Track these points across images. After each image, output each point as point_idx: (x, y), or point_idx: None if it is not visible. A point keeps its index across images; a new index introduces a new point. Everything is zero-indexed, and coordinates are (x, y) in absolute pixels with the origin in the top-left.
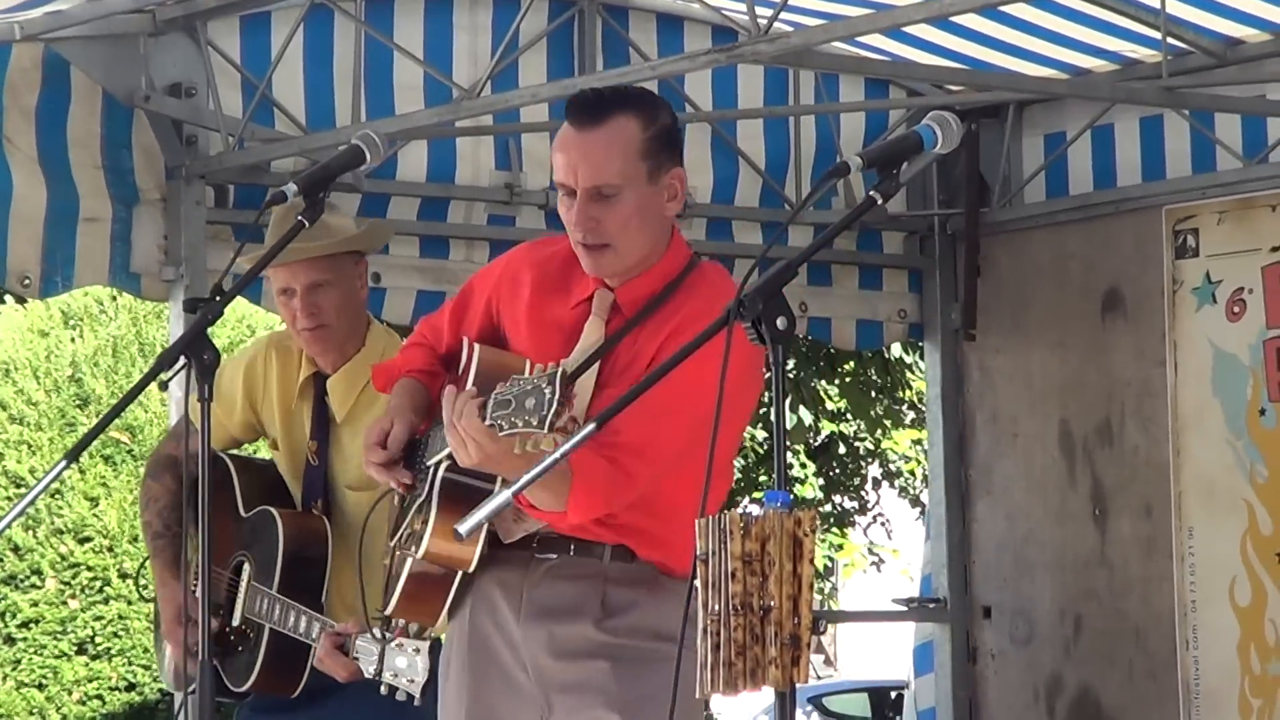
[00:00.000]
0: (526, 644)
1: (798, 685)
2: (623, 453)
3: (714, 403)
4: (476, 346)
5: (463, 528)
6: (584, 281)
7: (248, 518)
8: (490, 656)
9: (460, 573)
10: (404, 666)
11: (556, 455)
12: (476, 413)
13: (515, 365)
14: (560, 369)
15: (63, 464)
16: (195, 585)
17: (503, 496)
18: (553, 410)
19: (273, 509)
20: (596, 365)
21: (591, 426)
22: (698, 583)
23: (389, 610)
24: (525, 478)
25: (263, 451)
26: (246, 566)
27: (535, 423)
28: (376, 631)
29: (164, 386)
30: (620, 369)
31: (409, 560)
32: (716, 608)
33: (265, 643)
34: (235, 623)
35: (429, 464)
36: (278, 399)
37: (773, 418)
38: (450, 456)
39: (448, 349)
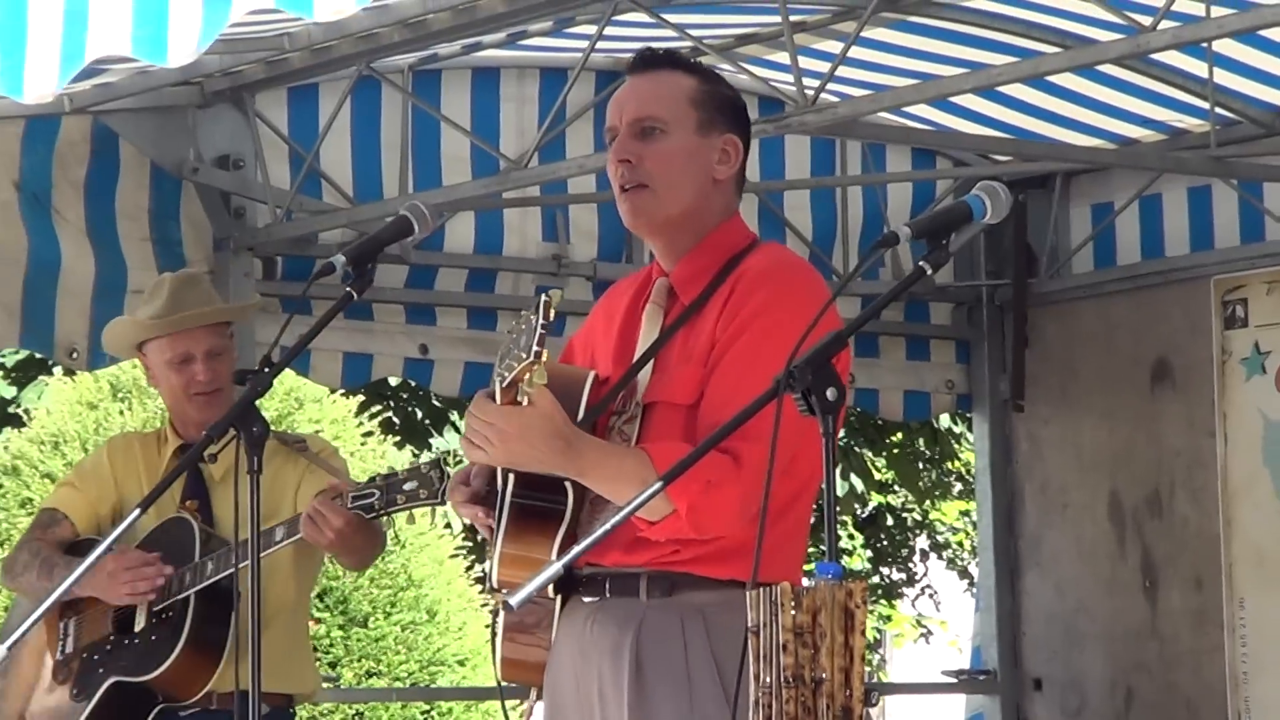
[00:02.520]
0: (583, 699)
1: None
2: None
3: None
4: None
5: (514, 600)
6: (650, 283)
7: (145, 538)
8: (557, 710)
9: (555, 617)
10: (413, 487)
11: (620, 516)
12: (485, 399)
13: (577, 375)
14: (544, 297)
15: (134, 514)
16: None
17: (554, 568)
18: (535, 335)
19: (181, 514)
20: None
21: (658, 485)
22: (749, 655)
23: (498, 674)
24: (575, 550)
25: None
26: None
27: (525, 356)
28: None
29: (213, 459)
30: (679, 353)
31: (500, 610)
32: (768, 680)
33: (189, 621)
34: (140, 626)
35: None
36: (145, 474)
37: (823, 488)
38: (510, 475)
39: None
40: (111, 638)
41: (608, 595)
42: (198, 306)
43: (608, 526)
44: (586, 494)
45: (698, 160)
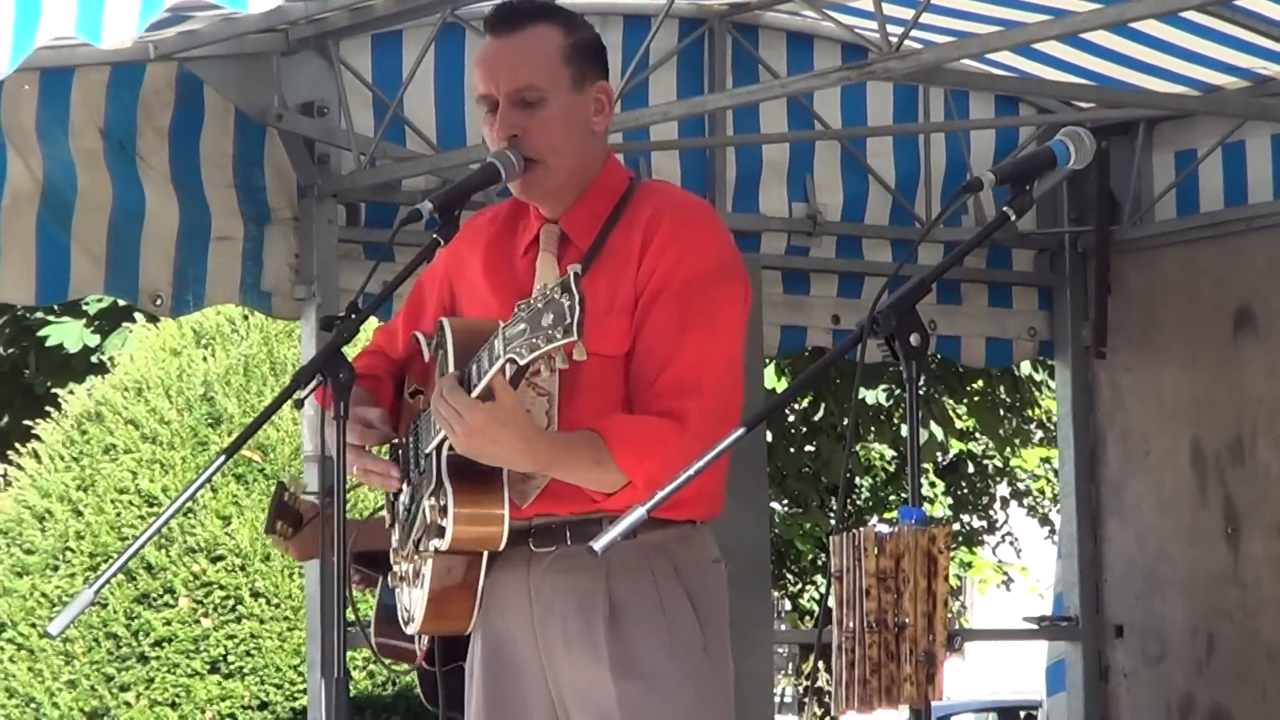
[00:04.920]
0: (544, 649)
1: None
2: (665, 396)
3: (727, 295)
4: (446, 321)
5: (598, 545)
6: (528, 227)
7: None
8: (507, 662)
9: (484, 567)
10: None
11: (698, 468)
12: (457, 385)
13: (488, 328)
14: (571, 273)
15: (220, 460)
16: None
17: (638, 512)
18: (577, 316)
19: None
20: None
21: (741, 431)
22: (831, 601)
23: (416, 628)
24: (659, 495)
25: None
26: None
27: (561, 334)
28: None
29: (299, 405)
30: (602, 303)
31: (429, 562)
32: (851, 625)
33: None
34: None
35: (428, 450)
36: None
37: (904, 434)
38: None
39: (403, 354)
40: None
41: (568, 543)
42: None
43: (688, 475)
44: None
45: (577, 119)
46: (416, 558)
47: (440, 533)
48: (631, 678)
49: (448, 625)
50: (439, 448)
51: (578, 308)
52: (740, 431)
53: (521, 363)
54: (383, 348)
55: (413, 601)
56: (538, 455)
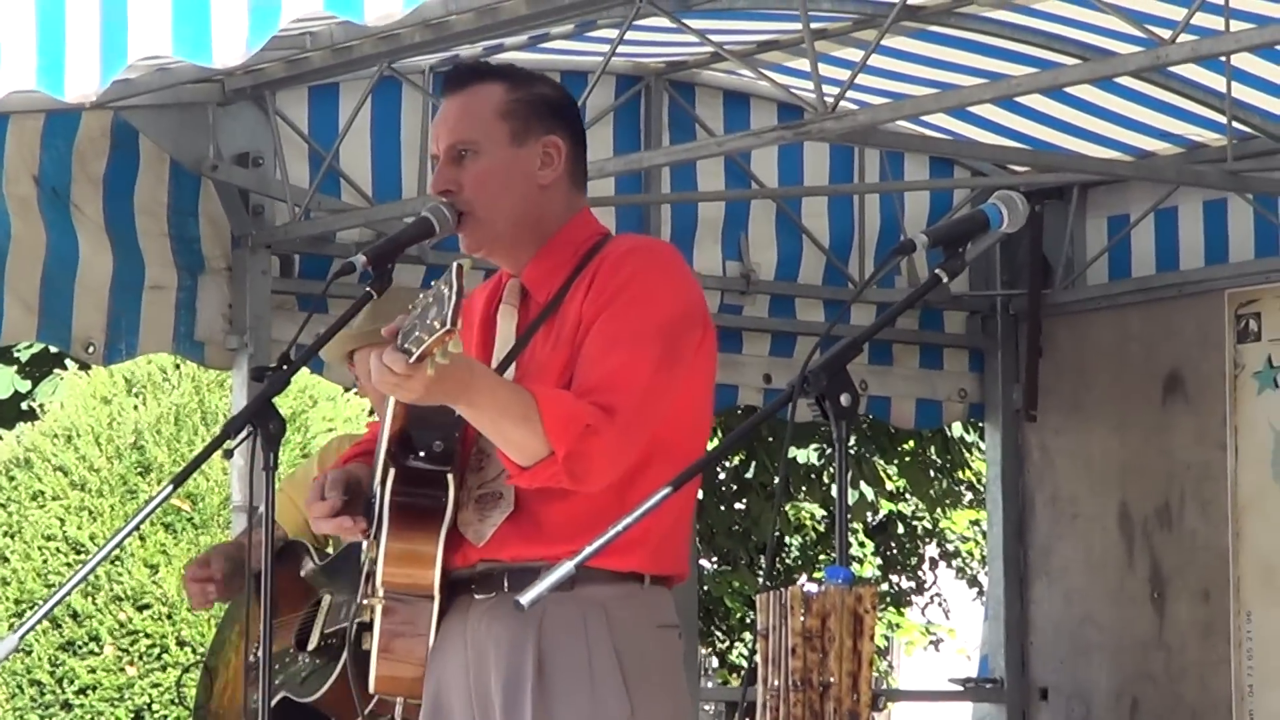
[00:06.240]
0: (477, 693)
1: None
2: (593, 393)
3: (668, 319)
4: None
5: (525, 599)
6: (503, 284)
7: (323, 564)
8: (445, 710)
9: (434, 620)
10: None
11: (624, 524)
12: (399, 354)
13: None
14: (455, 265)
15: (166, 491)
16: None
17: (565, 567)
18: (453, 305)
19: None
20: (516, 353)
21: (667, 490)
22: (757, 658)
23: (371, 688)
24: (587, 550)
25: None
26: (326, 598)
27: (439, 325)
28: None
29: (229, 455)
30: (551, 343)
31: (376, 611)
32: (776, 683)
33: (347, 651)
34: (311, 646)
35: (373, 492)
36: None
37: (834, 494)
38: (385, 472)
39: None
40: (290, 651)
41: (505, 590)
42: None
43: (620, 527)
44: (465, 487)
45: (516, 172)
46: (366, 604)
47: (372, 575)
48: None
49: (400, 688)
50: (381, 486)
51: (455, 297)
52: (667, 490)
53: (411, 359)
54: (371, 433)
55: (366, 662)
56: (479, 380)
